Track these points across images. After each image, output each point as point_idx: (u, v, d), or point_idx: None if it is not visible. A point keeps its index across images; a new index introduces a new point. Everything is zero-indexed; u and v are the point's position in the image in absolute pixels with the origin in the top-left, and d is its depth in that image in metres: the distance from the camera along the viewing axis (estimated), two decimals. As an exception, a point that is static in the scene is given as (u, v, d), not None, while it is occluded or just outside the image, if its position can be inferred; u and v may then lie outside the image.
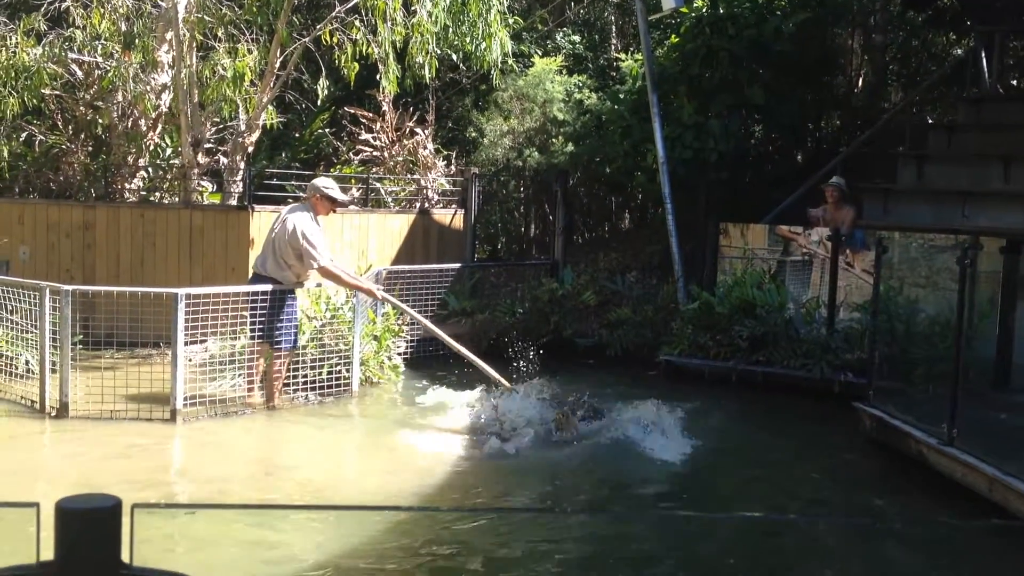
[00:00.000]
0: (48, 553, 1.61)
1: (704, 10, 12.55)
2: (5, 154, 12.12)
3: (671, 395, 9.80)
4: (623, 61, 14.35)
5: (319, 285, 9.13)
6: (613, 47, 17.78)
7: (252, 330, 8.62)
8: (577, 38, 17.52)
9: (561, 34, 17.48)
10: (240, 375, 8.81)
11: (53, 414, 8.04)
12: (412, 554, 5.31)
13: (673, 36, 13.46)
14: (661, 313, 11.40)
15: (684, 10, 12.49)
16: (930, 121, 13.86)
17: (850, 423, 8.17)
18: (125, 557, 1.64)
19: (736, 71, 12.39)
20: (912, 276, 8.96)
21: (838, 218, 11.02)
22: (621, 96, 13.56)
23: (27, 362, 8.74)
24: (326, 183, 8.87)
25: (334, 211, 9.02)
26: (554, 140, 14.93)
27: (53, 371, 8.14)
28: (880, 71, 15.17)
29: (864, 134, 13.10)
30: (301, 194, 12.66)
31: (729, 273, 11.44)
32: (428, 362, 10.61)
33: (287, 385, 8.78)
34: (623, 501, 6.70)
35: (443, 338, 9.18)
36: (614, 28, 18.23)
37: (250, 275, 9.13)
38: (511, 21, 14.02)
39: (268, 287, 8.52)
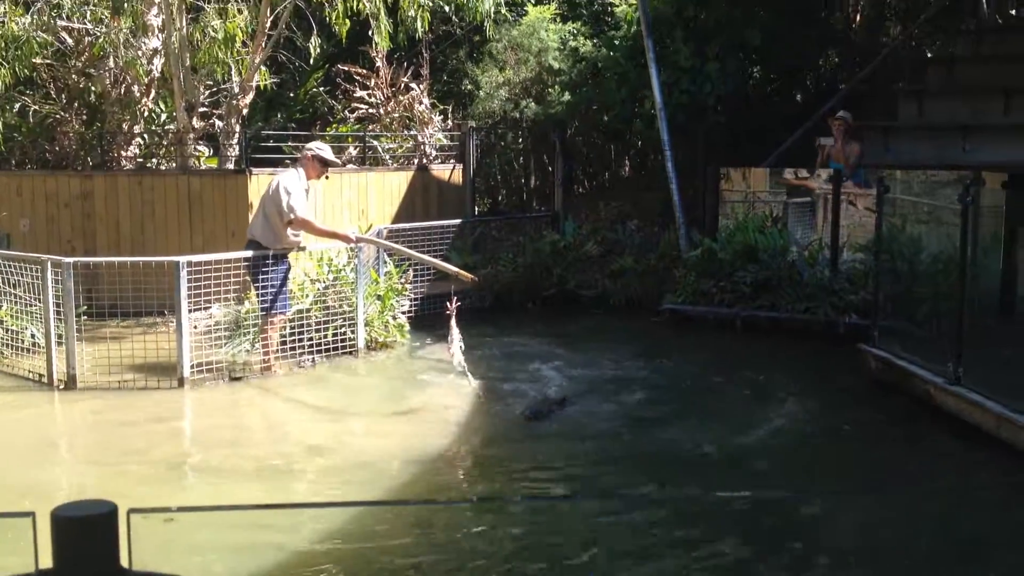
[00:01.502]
0: (47, 560, 1.61)
1: (698, -49, 12.38)
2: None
3: (675, 342, 9.88)
4: (617, 6, 14.20)
5: (303, 248, 9.07)
6: (607, -8, 17.55)
7: (259, 299, 8.65)
8: (570, -16, 17.30)
9: (554, -19, 17.25)
10: (246, 340, 8.83)
11: (61, 387, 8.06)
12: (410, 539, 5.21)
13: (667, -22, 13.29)
14: (663, 261, 11.40)
15: (677, -49, 12.33)
16: (929, 55, 13.72)
17: (855, 365, 8.18)
18: (124, 561, 1.65)
19: (732, 12, 12.26)
20: (915, 213, 8.94)
21: (845, 151, 10.94)
22: (616, 42, 13.44)
23: (32, 336, 8.76)
24: (318, 144, 9.01)
25: (326, 176, 9.08)
26: (550, 90, 14.81)
27: (59, 344, 8.16)
28: (878, 5, 15.01)
29: (863, 70, 12.98)
30: (298, 155, 12.67)
31: (731, 218, 11.41)
32: (433, 320, 10.57)
33: (293, 348, 8.80)
34: (636, 466, 6.73)
35: (408, 253, 9.64)
36: (607, -28, 17.98)
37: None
38: (503, -30, 13.84)
39: (266, 252, 8.52)
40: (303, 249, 8.99)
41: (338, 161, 8.97)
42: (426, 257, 9.65)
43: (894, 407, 7.46)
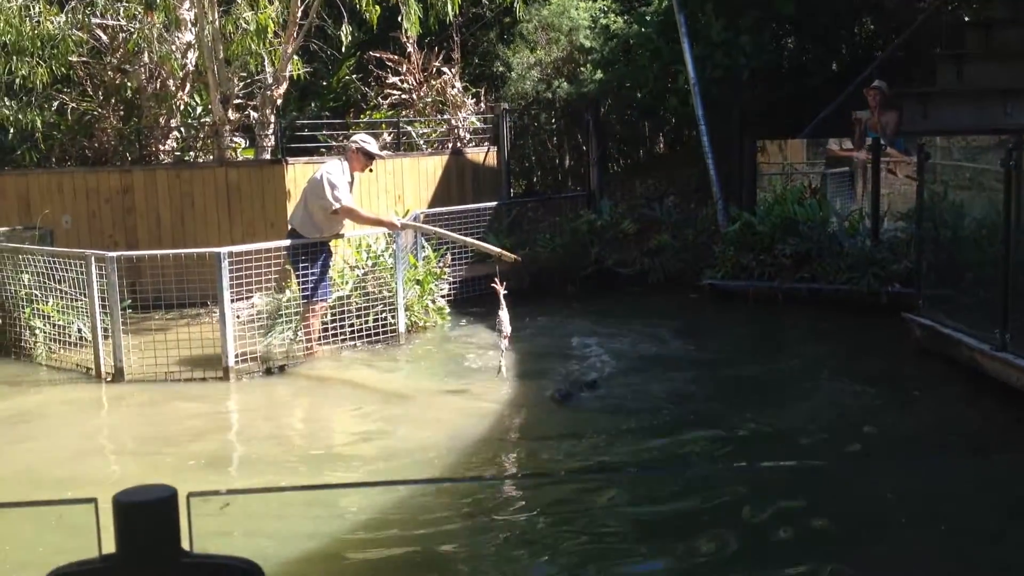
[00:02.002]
0: (109, 546, 1.64)
1: (728, -79, 12.23)
2: (39, 124, 12.21)
3: (716, 318, 9.84)
4: (647, -19, 14.06)
5: (341, 236, 9.08)
6: (636, -33, 17.43)
7: (300, 287, 8.72)
8: (599, -39, 17.19)
9: (582, -42, 17.15)
10: (288, 328, 8.91)
11: (109, 379, 8.18)
12: (454, 523, 5.19)
13: (697, -49, 13.15)
14: (702, 236, 11.34)
15: (707, -77, 12.19)
16: (966, 19, 13.49)
17: (900, 334, 8.09)
18: (185, 544, 1.68)
19: (764, -17, 12.12)
20: (956, 180, 8.81)
21: (881, 122, 10.80)
22: (648, 18, 13.33)
23: (79, 330, 8.89)
24: (364, 137, 8.99)
25: (370, 169, 9.08)
26: (583, 69, 14.74)
27: (105, 337, 8.27)
28: (912, -30, 14.75)
29: (899, 37, 12.78)
30: (333, 143, 12.74)
31: (769, 191, 11.32)
32: (472, 303, 10.62)
33: (334, 335, 8.87)
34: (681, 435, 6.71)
35: (450, 236, 9.73)
36: (636, -53, 17.85)
37: None
38: (531, -51, 13.79)
39: (304, 241, 8.60)
40: (341, 236, 9.05)
41: (383, 155, 8.97)
42: (468, 239, 9.73)
43: (941, 374, 7.40)
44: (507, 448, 6.50)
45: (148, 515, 1.62)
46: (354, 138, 9.03)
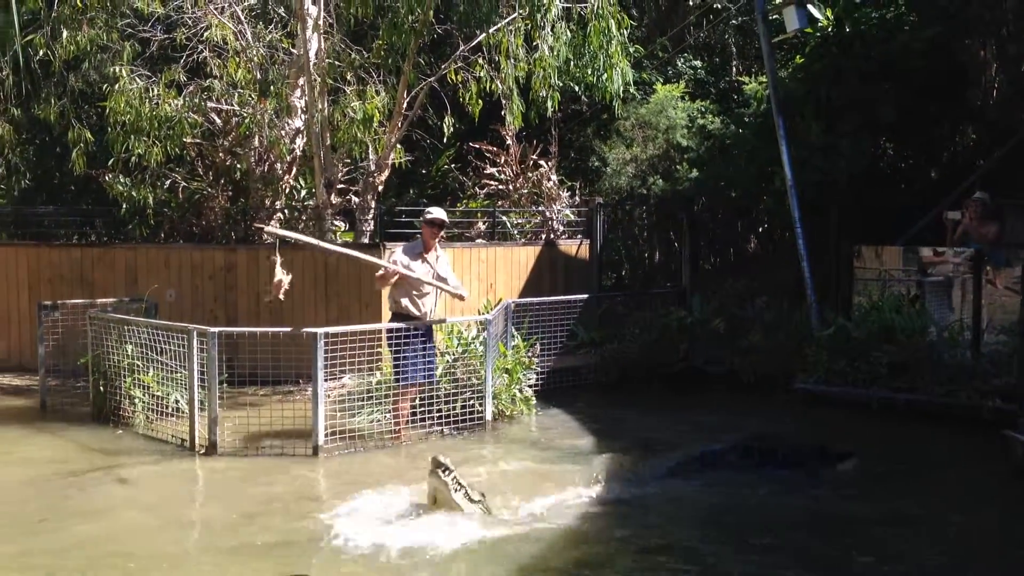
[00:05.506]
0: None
1: (830, 29, 12.33)
2: (151, 201, 12.71)
3: (808, 424, 9.64)
4: (746, 84, 14.22)
5: (443, 321, 9.27)
6: (734, 70, 17.64)
7: (394, 368, 8.88)
8: (698, 63, 17.45)
9: (682, 60, 17.42)
10: (378, 409, 9.01)
11: (202, 452, 8.35)
12: None
13: (798, 57, 13.28)
14: (794, 339, 11.16)
15: (808, 30, 12.30)
16: (1072, 131, 13.28)
17: (1000, 451, 7.83)
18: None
19: (865, 90, 12.13)
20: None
21: (982, 234, 10.62)
22: (746, 119, 13.45)
23: (176, 401, 9.11)
24: (428, 208, 9.29)
25: (442, 235, 9.29)
26: (678, 167, 14.86)
27: (201, 410, 8.46)
28: (1015, 82, 14.61)
29: (1002, 148, 12.63)
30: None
31: (864, 296, 11.16)
32: (558, 394, 10.62)
33: (423, 419, 8.93)
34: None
35: (316, 245, 9.69)
36: (735, 51, 18.09)
37: None
38: (632, 50, 14.05)
39: (398, 324, 8.77)
40: (442, 321, 9.20)
41: (440, 216, 9.11)
42: (334, 247, 10.26)
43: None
44: (594, 551, 6.37)
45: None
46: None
